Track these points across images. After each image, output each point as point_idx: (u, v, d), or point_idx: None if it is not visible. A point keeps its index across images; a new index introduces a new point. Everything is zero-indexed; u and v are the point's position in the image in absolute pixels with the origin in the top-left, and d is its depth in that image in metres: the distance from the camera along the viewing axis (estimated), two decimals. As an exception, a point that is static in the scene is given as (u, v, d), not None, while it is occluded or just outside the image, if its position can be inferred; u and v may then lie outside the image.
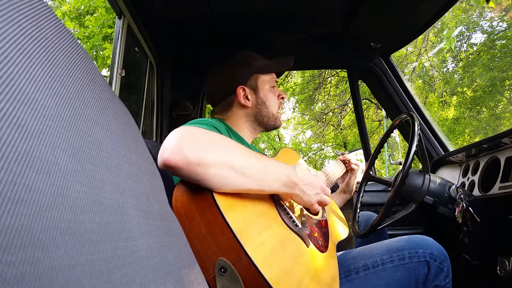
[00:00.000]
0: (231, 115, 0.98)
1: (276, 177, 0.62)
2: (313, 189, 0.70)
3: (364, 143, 1.66)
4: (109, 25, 4.29)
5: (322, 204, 0.74)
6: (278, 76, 1.09)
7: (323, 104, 9.71)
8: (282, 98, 1.03)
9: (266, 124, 0.99)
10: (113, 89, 1.11)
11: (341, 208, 1.14)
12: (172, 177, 0.78)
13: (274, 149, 11.13)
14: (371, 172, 1.19)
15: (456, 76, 8.66)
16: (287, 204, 0.73)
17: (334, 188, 1.32)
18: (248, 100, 0.96)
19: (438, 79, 8.00)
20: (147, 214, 0.31)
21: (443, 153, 1.46)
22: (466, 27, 7.66)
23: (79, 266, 0.19)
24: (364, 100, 8.65)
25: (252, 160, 0.59)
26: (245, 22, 1.33)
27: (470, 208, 0.92)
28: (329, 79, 7.95)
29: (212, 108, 1.06)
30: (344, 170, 1.22)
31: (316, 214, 0.80)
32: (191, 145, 0.53)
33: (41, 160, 0.19)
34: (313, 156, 11.99)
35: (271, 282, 0.51)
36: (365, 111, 9.06)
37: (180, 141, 0.53)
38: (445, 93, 8.17)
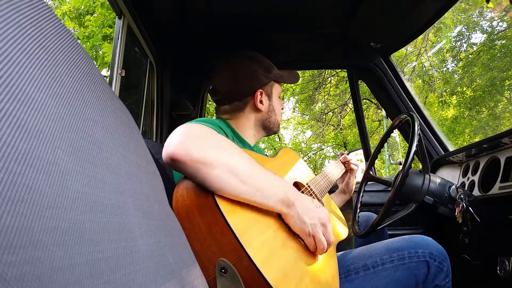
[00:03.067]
0: (241, 116, 0.96)
1: (274, 191, 0.60)
2: (311, 218, 0.63)
3: (364, 143, 1.66)
4: (109, 25, 4.29)
5: (317, 242, 0.64)
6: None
7: (323, 104, 9.71)
8: (282, 108, 1.05)
9: (270, 130, 1.01)
10: (113, 89, 1.11)
11: (341, 208, 1.14)
12: (172, 177, 0.78)
13: (274, 149, 11.13)
14: (371, 172, 1.19)
15: (456, 76, 8.66)
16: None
17: (333, 189, 1.31)
18: (262, 104, 0.96)
19: (438, 79, 8.00)
20: (147, 214, 0.31)
21: (443, 153, 1.46)
22: (466, 27, 7.66)
23: (79, 266, 0.19)
24: (364, 100, 8.65)
25: (254, 170, 0.59)
26: (245, 22, 1.33)
27: (470, 208, 0.92)
28: (329, 79, 7.95)
29: (216, 106, 1.01)
30: (344, 170, 1.22)
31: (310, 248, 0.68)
32: (197, 142, 0.53)
33: (41, 160, 0.19)
34: (313, 156, 11.98)
35: (272, 282, 0.51)
36: (365, 111, 9.06)
37: (186, 137, 0.53)
38: (444, 93, 8.17)
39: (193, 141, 0.53)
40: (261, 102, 0.96)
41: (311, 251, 0.68)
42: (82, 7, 4.85)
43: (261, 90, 0.96)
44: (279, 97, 1.03)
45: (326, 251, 0.66)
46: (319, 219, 0.65)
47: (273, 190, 0.60)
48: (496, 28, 7.42)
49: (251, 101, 0.95)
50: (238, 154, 0.59)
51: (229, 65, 0.97)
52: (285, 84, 1.07)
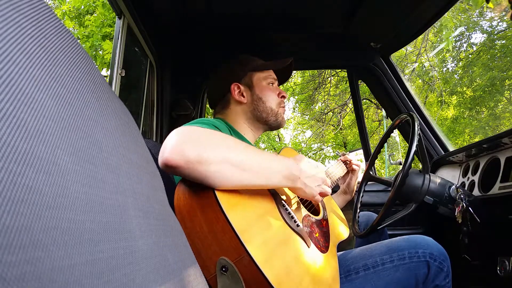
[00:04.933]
0: (230, 113, 0.99)
1: (276, 170, 0.62)
2: (315, 181, 0.71)
3: (364, 143, 1.66)
4: (109, 25, 4.29)
5: (323, 195, 0.75)
6: (282, 82, 1.12)
7: (323, 104, 9.71)
8: (283, 96, 1.03)
9: (267, 121, 0.99)
10: (113, 89, 1.11)
11: (342, 209, 1.14)
12: (173, 176, 0.78)
13: (274, 149, 11.13)
14: (371, 172, 1.19)
15: (456, 76, 8.66)
16: (288, 204, 0.73)
17: (335, 189, 1.31)
18: (243, 96, 0.98)
19: (438, 79, 8.00)
20: (147, 214, 0.31)
21: (443, 153, 1.45)
22: (466, 27, 7.66)
23: (79, 266, 0.19)
24: (364, 100, 8.65)
25: (252, 155, 0.59)
26: (245, 22, 1.33)
27: (470, 208, 0.92)
28: (329, 79, 7.95)
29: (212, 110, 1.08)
30: (345, 171, 1.22)
31: (317, 208, 0.79)
32: (191, 144, 0.53)
33: (41, 160, 0.19)
34: (313, 156, 11.98)
35: (272, 281, 0.51)
36: (365, 111, 9.05)
37: (179, 140, 0.53)
38: (444, 93, 8.16)
39: (185, 144, 0.53)
40: (241, 94, 0.98)
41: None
42: (82, 7, 4.85)
43: (236, 83, 0.99)
44: (270, 84, 1.01)
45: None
46: (321, 179, 0.73)
47: (275, 169, 0.62)
48: (496, 28, 7.42)
49: (231, 96, 0.99)
50: (232, 144, 0.59)
51: (211, 75, 1.07)
52: (285, 84, 1.08)
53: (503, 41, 7.27)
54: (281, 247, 0.59)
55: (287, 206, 0.71)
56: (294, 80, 9.36)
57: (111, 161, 0.27)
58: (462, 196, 0.94)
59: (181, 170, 0.52)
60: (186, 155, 0.52)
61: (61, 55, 0.25)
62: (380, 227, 0.94)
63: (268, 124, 1.00)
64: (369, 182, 1.20)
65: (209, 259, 0.53)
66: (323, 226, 0.84)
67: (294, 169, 0.66)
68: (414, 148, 0.87)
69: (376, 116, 9.41)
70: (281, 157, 0.66)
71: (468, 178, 1.17)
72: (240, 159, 0.56)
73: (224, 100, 1.01)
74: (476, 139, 5.82)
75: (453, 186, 0.98)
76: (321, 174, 0.74)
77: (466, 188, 1.13)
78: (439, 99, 8.30)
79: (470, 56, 8.10)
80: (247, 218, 0.57)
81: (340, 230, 0.92)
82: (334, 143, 11.51)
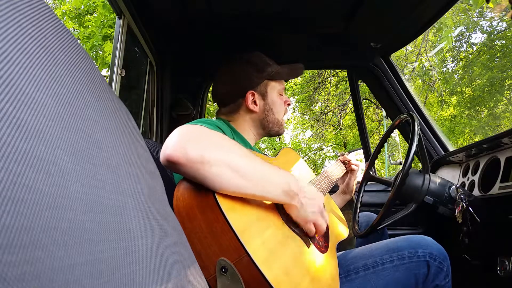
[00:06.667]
0: (237, 117, 0.98)
1: (276, 183, 0.61)
2: (312, 207, 0.66)
3: (364, 143, 1.66)
4: (109, 25, 4.29)
5: (317, 227, 0.68)
6: (285, 81, 1.10)
7: (323, 104, 9.71)
8: (288, 104, 1.03)
9: (270, 130, 1.00)
10: (113, 89, 1.11)
11: (341, 209, 1.14)
12: (173, 177, 0.78)
13: (274, 149, 11.13)
14: (371, 172, 1.19)
15: (455, 76, 8.67)
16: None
17: (334, 189, 1.31)
18: (256, 105, 0.96)
19: (437, 79, 8.00)
20: (147, 214, 0.31)
21: (443, 153, 1.46)
22: (466, 27, 7.67)
23: (79, 266, 0.19)
24: (364, 100, 8.65)
25: (254, 164, 0.59)
26: (245, 22, 1.33)
27: (470, 208, 0.92)
28: (329, 79, 7.95)
29: (216, 107, 1.05)
30: (345, 171, 1.22)
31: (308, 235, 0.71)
32: (194, 142, 0.53)
33: (41, 160, 0.19)
34: (313, 156, 11.98)
35: (272, 282, 0.51)
36: (365, 111, 9.06)
37: (183, 138, 0.53)
38: (444, 93, 8.17)
39: (189, 142, 0.53)
40: (254, 102, 0.96)
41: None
42: (82, 7, 4.86)
43: (252, 91, 0.96)
44: (281, 94, 1.01)
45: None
46: (318, 207, 0.68)
47: (275, 182, 0.61)
48: (496, 28, 7.42)
49: (243, 102, 0.96)
50: (236, 150, 0.58)
51: (224, 69, 1.01)
52: (285, 83, 1.06)
53: (503, 41, 7.28)
54: (281, 247, 0.59)
55: (287, 206, 0.71)
56: (294, 80, 9.36)
57: (111, 161, 0.27)
58: (462, 196, 0.94)
59: (182, 167, 0.52)
60: (189, 153, 0.51)
61: (61, 55, 0.25)
62: (380, 227, 0.94)
63: (270, 132, 1.01)
64: (369, 182, 1.20)
65: (208, 259, 0.53)
66: (323, 226, 0.84)
67: (294, 185, 0.63)
68: (414, 148, 0.87)
69: (376, 116, 9.42)
70: (284, 171, 0.64)
71: (468, 178, 1.17)
72: (241, 165, 0.56)
73: (235, 104, 0.98)
74: (476, 139, 5.82)
75: (453, 186, 0.98)
76: (321, 202, 0.69)
77: (466, 188, 1.13)
78: (439, 99, 8.30)
79: (470, 56, 8.11)
80: (246, 218, 0.57)
81: (340, 230, 0.92)
82: (334, 143, 11.51)
